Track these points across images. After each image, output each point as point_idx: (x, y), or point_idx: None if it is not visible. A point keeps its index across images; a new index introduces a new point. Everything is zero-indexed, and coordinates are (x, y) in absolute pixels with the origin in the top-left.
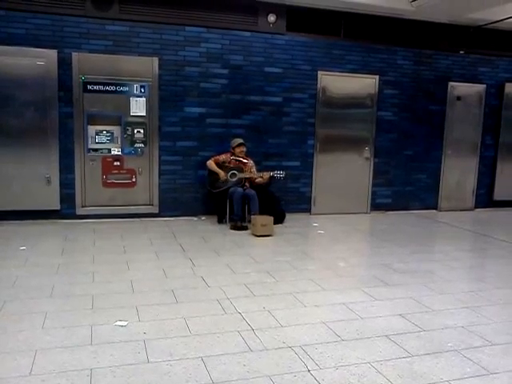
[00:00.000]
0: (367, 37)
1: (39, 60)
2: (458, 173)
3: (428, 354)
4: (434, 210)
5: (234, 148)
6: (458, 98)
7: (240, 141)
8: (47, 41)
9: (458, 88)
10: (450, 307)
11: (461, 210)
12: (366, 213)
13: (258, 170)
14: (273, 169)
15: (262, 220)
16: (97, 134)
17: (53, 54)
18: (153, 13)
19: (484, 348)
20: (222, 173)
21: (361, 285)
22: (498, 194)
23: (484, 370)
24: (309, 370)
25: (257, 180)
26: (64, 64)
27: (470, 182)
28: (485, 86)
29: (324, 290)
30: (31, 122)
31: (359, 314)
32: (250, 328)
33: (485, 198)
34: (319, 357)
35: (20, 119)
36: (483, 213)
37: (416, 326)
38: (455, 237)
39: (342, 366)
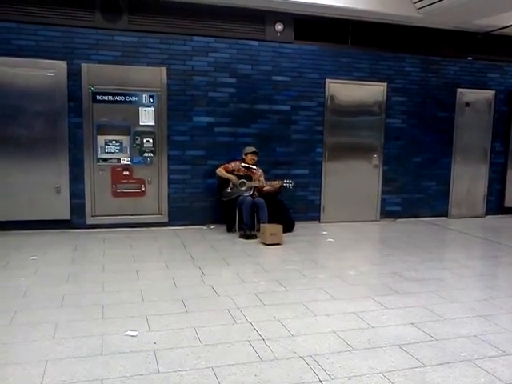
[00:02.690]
0: (375, 44)
1: (49, 71)
2: (468, 179)
3: (441, 363)
4: (445, 218)
5: (246, 154)
6: (467, 105)
7: (254, 149)
8: (57, 52)
9: (467, 94)
10: (462, 316)
11: (471, 217)
12: (376, 220)
13: (267, 179)
14: (281, 177)
15: (271, 229)
16: (106, 143)
17: (62, 65)
18: (161, 23)
19: (498, 358)
20: (233, 177)
21: (371, 293)
22: (509, 201)
23: (498, 381)
24: (320, 381)
25: (265, 188)
26: (73, 75)
27: (481, 188)
28: (494, 92)
29: (334, 299)
30: (41, 132)
31: (370, 323)
32: (260, 338)
33: (495, 204)
34: (330, 367)
35: (30, 130)
36: (494, 220)
37: (428, 335)
38: (466, 244)
39: (353, 376)
